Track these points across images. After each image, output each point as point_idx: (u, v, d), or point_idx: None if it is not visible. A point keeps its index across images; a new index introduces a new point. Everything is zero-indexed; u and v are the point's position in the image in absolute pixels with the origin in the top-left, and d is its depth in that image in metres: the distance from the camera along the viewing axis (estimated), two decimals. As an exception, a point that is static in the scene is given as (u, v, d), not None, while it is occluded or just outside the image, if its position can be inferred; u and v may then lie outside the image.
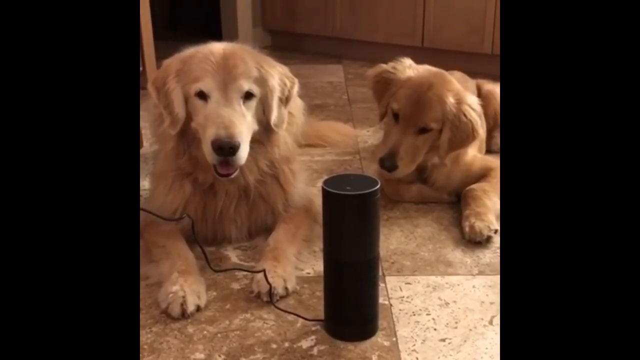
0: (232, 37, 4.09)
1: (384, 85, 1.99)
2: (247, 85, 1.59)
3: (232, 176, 1.61)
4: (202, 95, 1.59)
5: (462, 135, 1.89)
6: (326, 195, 1.31)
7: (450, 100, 1.88)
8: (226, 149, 1.52)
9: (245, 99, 1.60)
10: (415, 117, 1.88)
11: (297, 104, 1.85)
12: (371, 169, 2.26)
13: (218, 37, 4.04)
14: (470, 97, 1.95)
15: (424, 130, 1.89)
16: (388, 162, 1.88)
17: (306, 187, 1.94)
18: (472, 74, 2.48)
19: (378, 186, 1.30)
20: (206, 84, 1.58)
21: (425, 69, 1.99)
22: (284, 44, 4.41)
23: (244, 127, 1.57)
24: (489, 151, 2.36)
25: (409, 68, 1.99)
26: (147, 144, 2.43)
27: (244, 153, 1.56)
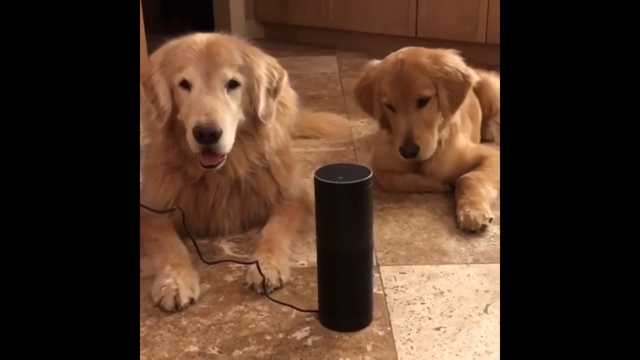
0: (225, 29, 4.05)
1: (367, 92, 2.00)
2: (230, 73, 1.58)
3: (218, 167, 1.60)
4: (186, 85, 1.58)
5: (457, 85, 1.89)
6: (318, 185, 1.30)
7: (427, 61, 1.88)
8: (207, 135, 1.50)
9: (229, 88, 1.58)
10: (406, 94, 1.87)
11: (290, 95, 1.84)
12: (365, 160, 2.25)
13: (211, 30, 4.02)
14: (445, 51, 1.95)
15: (421, 103, 1.88)
16: (409, 148, 1.87)
17: (300, 179, 1.93)
18: (466, 63, 2.47)
19: (370, 175, 1.29)
20: (189, 73, 1.56)
21: (390, 55, 1.99)
22: (277, 35, 4.40)
23: (227, 115, 1.55)
24: (484, 140, 2.36)
25: (376, 64, 2.01)
26: (140, 137, 2.42)
27: (227, 141, 1.54)
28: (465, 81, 1.90)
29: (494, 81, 2.37)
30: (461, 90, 1.90)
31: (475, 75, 1.94)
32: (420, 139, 1.87)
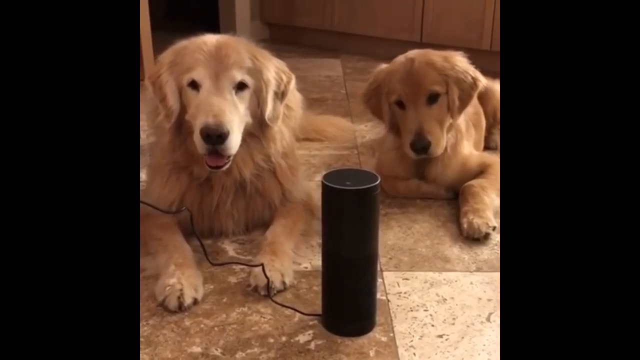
0: (230, 29, 4.07)
1: (376, 95, 2.00)
2: (239, 75, 1.58)
3: (224, 168, 1.60)
4: (194, 85, 1.59)
5: (466, 86, 1.90)
6: (326, 190, 1.30)
7: (438, 59, 1.90)
8: (214, 136, 1.50)
9: (238, 90, 1.59)
10: (416, 89, 1.88)
11: (295, 98, 1.84)
12: (369, 164, 2.26)
13: (216, 29, 4.02)
14: (455, 53, 1.97)
15: (432, 99, 1.89)
16: (419, 143, 1.87)
17: (304, 182, 1.93)
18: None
19: (378, 181, 1.30)
20: (198, 73, 1.57)
21: (399, 57, 2.00)
22: (282, 37, 4.40)
23: (235, 116, 1.55)
24: (487, 148, 2.37)
25: (383, 67, 2.02)
26: (144, 136, 2.42)
27: (233, 143, 1.54)
28: (474, 83, 1.92)
29: (498, 89, 2.38)
30: (470, 92, 1.92)
31: (483, 79, 1.95)
32: (431, 133, 1.87)
